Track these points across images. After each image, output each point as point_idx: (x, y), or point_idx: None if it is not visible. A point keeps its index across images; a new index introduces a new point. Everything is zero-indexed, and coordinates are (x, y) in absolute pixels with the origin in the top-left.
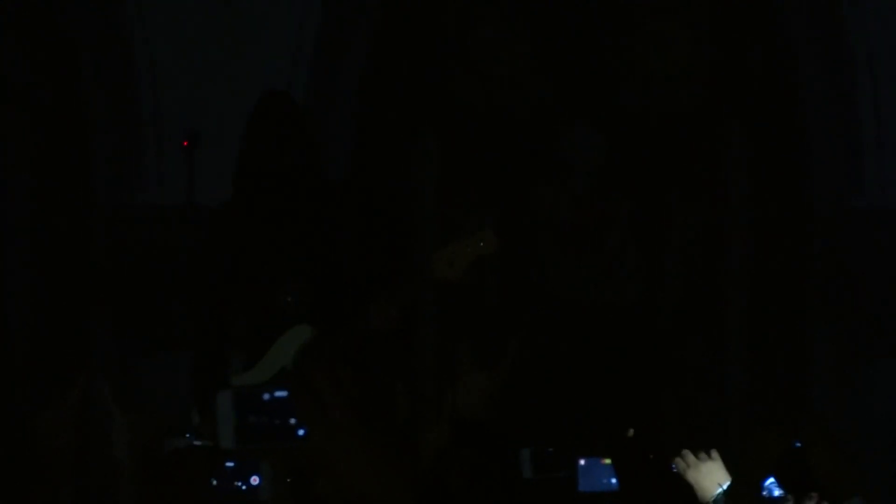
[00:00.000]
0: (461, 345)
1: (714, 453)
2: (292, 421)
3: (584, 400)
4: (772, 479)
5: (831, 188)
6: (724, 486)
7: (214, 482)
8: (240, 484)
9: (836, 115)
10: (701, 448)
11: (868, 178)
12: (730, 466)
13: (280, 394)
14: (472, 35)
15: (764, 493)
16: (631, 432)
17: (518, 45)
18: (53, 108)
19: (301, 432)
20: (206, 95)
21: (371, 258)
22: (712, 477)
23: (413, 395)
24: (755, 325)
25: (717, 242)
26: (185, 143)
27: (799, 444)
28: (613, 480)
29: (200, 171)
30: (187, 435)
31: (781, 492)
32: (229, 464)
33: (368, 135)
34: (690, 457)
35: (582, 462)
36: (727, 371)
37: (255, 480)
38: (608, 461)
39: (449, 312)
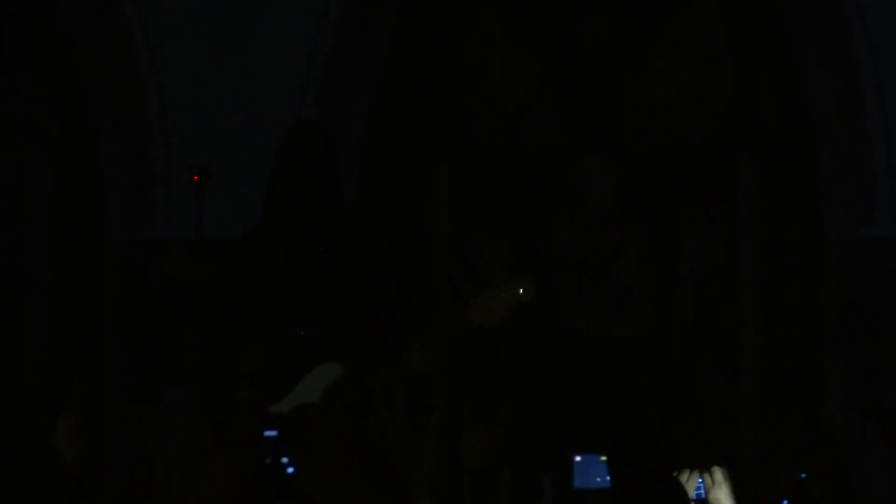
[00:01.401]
0: (462, 398)
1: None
2: (284, 460)
3: (594, 431)
4: None
5: (843, 217)
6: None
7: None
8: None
9: (847, 143)
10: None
11: (880, 206)
12: (745, 493)
13: (270, 433)
14: (484, 66)
15: None
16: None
17: (529, 77)
18: (63, 143)
19: (290, 470)
20: (215, 130)
21: (401, 295)
22: (734, 499)
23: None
24: (768, 354)
25: (729, 271)
26: (195, 178)
27: (804, 476)
28: (609, 478)
29: (210, 205)
30: None
31: None
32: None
33: (378, 168)
34: (719, 474)
35: (578, 458)
36: (741, 399)
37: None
38: (604, 458)
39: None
